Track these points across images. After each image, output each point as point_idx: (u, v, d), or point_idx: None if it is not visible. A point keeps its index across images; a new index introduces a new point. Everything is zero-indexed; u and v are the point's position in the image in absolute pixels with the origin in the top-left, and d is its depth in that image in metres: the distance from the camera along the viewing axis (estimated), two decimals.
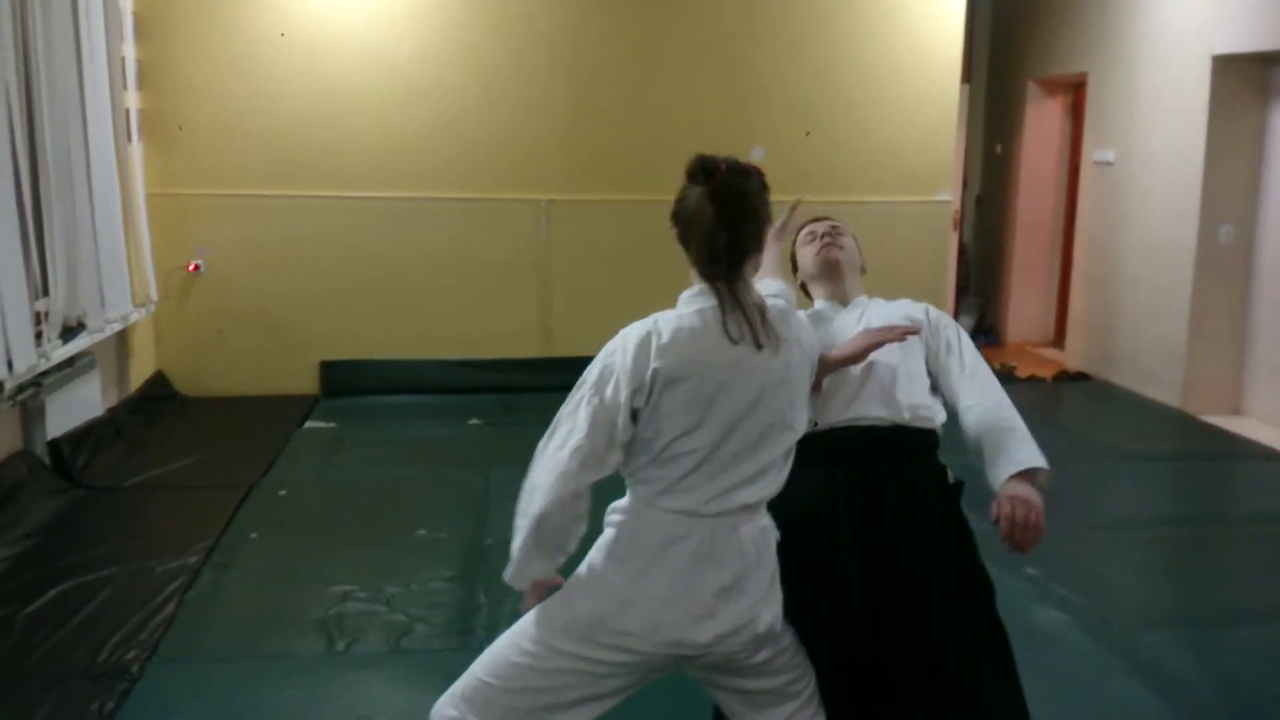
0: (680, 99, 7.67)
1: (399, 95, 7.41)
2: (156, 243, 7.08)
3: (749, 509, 2.28)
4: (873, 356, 2.63)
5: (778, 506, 2.42)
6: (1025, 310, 9.90)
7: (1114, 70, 8.32)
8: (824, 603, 2.48)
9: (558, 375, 7.91)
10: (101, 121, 6.15)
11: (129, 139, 6.64)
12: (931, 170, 8.03)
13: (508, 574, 2.35)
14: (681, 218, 2.31)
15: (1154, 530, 5.34)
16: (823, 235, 2.97)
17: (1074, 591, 4.44)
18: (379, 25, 7.34)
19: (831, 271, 2.92)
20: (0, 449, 5.20)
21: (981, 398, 2.64)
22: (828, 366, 2.60)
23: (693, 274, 2.33)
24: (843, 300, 2.91)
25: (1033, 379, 8.48)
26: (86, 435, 5.91)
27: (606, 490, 2.33)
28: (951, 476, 2.65)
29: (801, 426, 2.35)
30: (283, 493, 5.55)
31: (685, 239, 2.32)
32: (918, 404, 2.64)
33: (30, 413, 5.42)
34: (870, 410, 2.61)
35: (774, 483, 2.31)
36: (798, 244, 3.04)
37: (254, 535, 5.00)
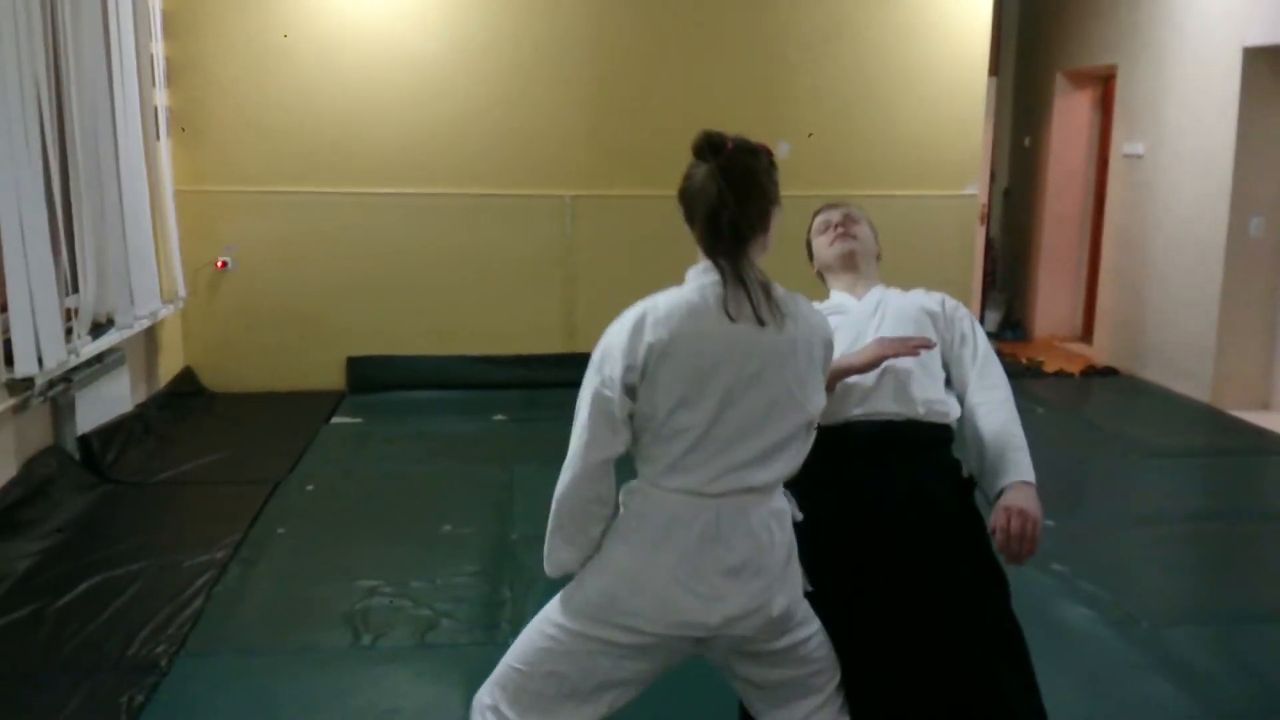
0: (706, 93, 7.65)
1: (425, 92, 7.43)
2: (185, 239, 7.13)
3: (757, 491, 2.26)
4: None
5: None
6: (1053, 305, 9.84)
7: (1143, 62, 8.26)
8: (835, 599, 2.48)
9: (582, 371, 7.96)
10: (131, 119, 6.20)
11: (157, 136, 6.68)
12: (959, 164, 7.99)
13: (545, 564, 2.38)
14: (687, 195, 2.31)
15: (1182, 526, 5.30)
16: (836, 225, 2.95)
17: (1101, 587, 4.42)
18: (405, 22, 7.35)
19: (846, 264, 2.92)
20: (31, 444, 5.25)
21: (989, 396, 2.65)
22: (838, 373, 2.59)
23: (698, 251, 2.32)
24: (858, 290, 2.90)
25: (1060, 374, 8.43)
26: (116, 431, 5.95)
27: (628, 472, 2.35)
28: (966, 470, 2.65)
29: (815, 408, 2.31)
30: (309, 488, 5.58)
31: (690, 216, 2.31)
32: (932, 399, 2.64)
33: (60, 408, 5.47)
34: (885, 406, 2.61)
35: (786, 465, 2.29)
36: (812, 232, 3.02)
37: (281, 530, 5.03)
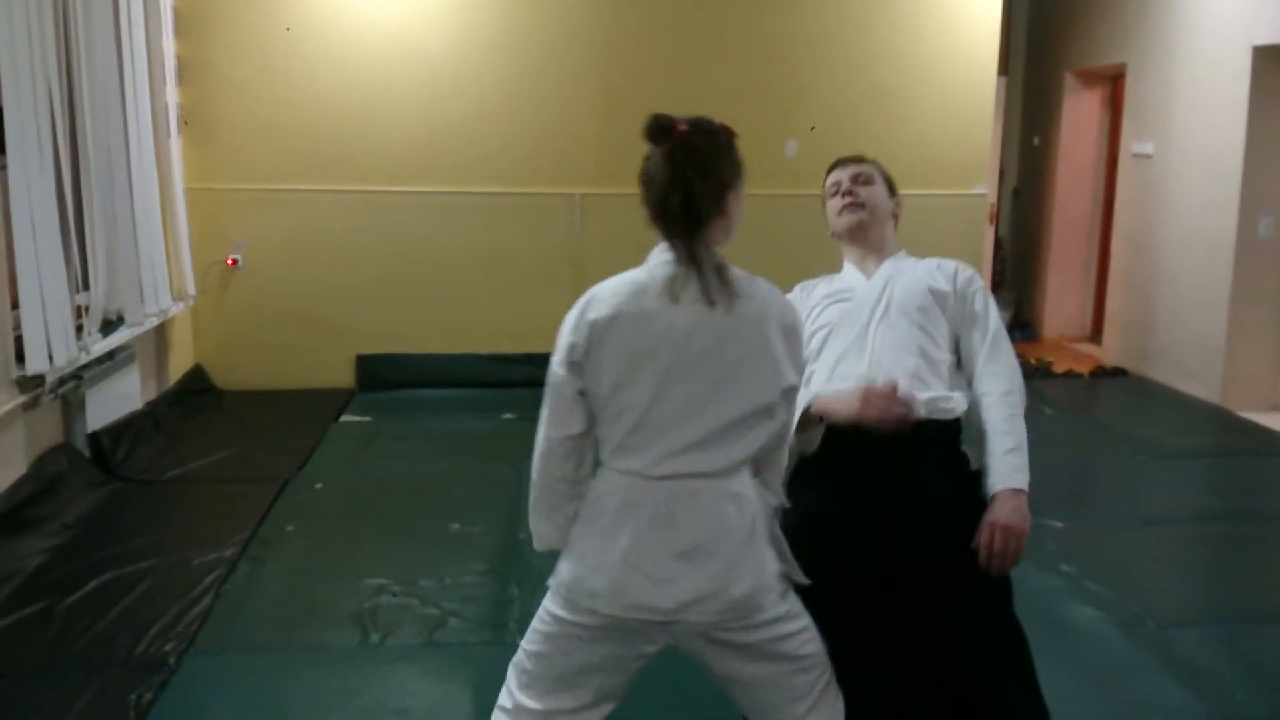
0: (715, 92, 7.65)
1: (435, 90, 7.44)
2: (195, 237, 7.15)
3: (709, 476, 2.24)
4: (889, 347, 2.60)
5: (792, 502, 2.44)
6: (1062, 305, 9.83)
7: (1153, 62, 8.25)
8: (833, 597, 2.48)
9: None
10: (142, 117, 6.22)
11: (169, 134, 6.70)
12: (968, 163, 7.98)
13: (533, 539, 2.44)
14: (643, 178, 2.33)
15: (1190, 527, 5.30)
16: (845, 192, 2.84)
17: (1108, 588, 4.41)
18: (416, 21, 7.37)
19: (855, 236, 2.84)
20: (41, 442, 5.27)
21: (992, 387, 2.60)
22: (819, 412, 2.59)
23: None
24: (869, 265, 2.82)
25: (1069, 374, 8.42)
26: (126, 428, 5.97)
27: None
28: (975, 463, 2.62)
29: (772, 391, 2.26)
30: (318, 486, 5.60)
31: (644, 199, 2.33)
32: (936, 397, 2.58)
33: (70, 406, 5.49)
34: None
35: (741, 450, 2.26)
36: (825, 193, 2.93)
37: (290, 528, 5.04)
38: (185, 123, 7.20)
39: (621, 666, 2.35)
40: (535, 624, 2.38)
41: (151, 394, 6.61)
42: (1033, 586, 2.63)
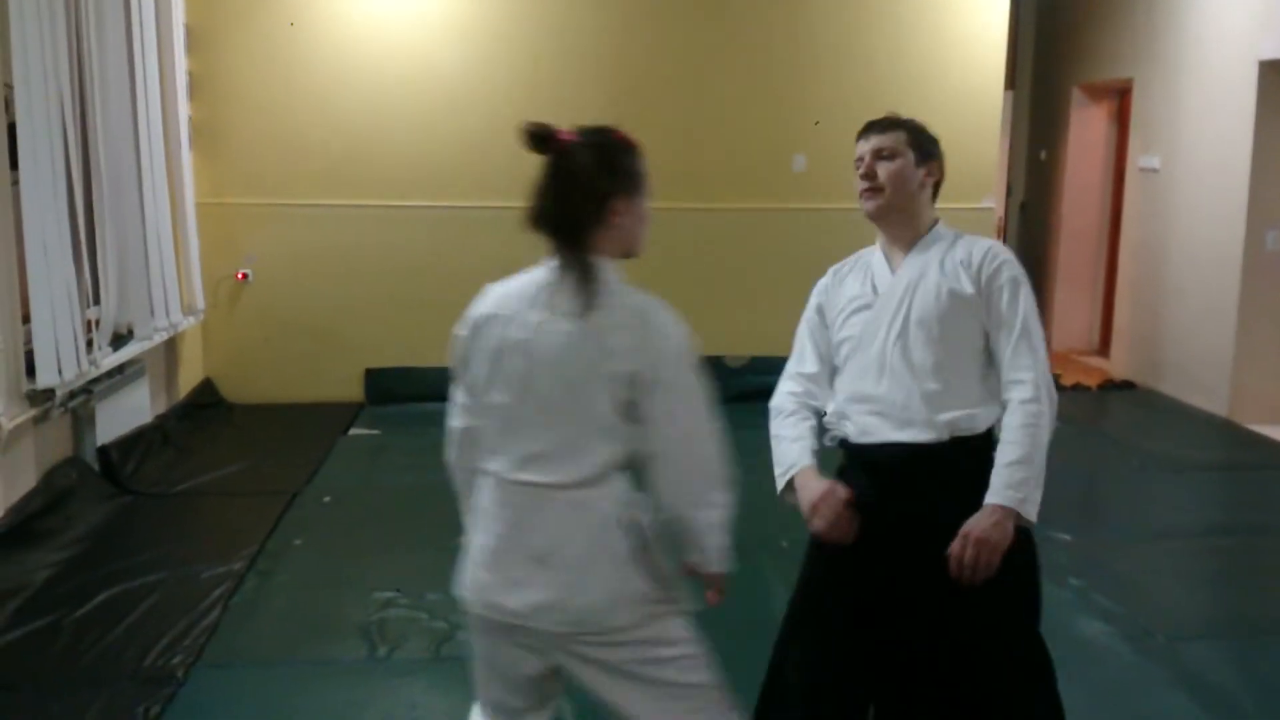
0: (723, 107, 7.68)
1: (444, 106, 7.47)
2: (205, 251, 7.17)
3: (558, 487, 2.24)
4: (907, 370, 2.52)
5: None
6: (1070, 318, 9.82)
7: (1159, 76, 8.25)
8: (837, 619, 2.48)
9: None
10: (154, 132, 6.25)
11: (180, 149, 6.73)
12: (975, 177, 7.98)
13: None
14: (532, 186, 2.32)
15: (1199, 540, 5.29)
16: (863, 174, 2.64)
17: (1117, 602, 4.41)
18: (425, 38, 7.40)
19: (877, 221, 2.67)
20: (51, 455, 5.29)
21: (1012, 395, 2.47)
22: (793, 492, 2.59)
23: None
24: (896, 253, 2.66)
25: (1078, 388, 8.41)
26: (135, 442, 5.99)
27: None
28: None
29: (603, 417, 2.21)
30: (327, 499, 5.61)
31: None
32: (958, 417, 2.48)
33: (80, 419, 5.51)
34: (902, 436, 2.51)
35: (579, 469, 2.22)
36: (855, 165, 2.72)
37: (298, 541, 5.05)
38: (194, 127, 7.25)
39: (513, 682, 2.36)
40: None
41: (161, 407, 6.63)
42: (1041, 599, 2.61)
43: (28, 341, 4.95)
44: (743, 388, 7.61)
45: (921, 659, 2.50)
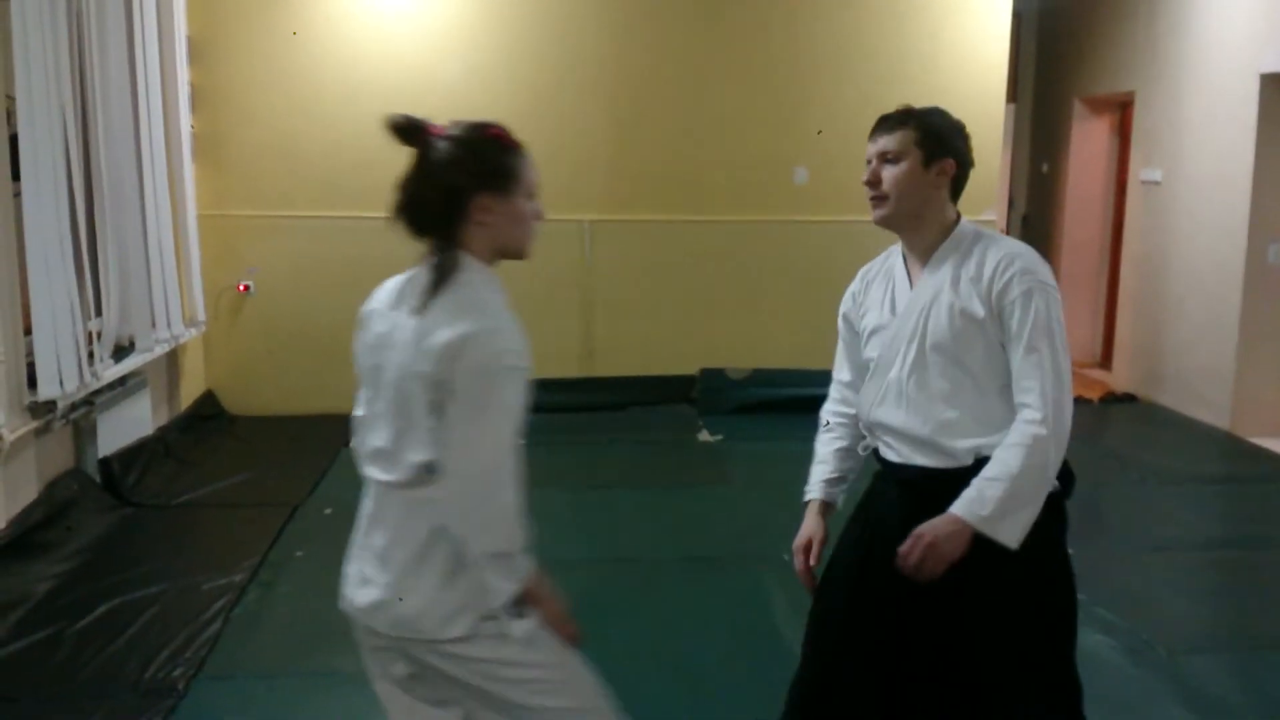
0: (724, 119, 7.70)
1: (446, 118, 7.46)
2: (207, 263, 7.18)
3: (395, 486, 2.20)
4: (923, 397, 2.46)
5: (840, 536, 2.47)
6: (1072, 331, 9.62)
7: (1161, 89, 8.27)
8: (842, 619, 2.48)
9: (600, 395, 8.05)
10: (155, 143, 6.26)
11: (182, 161, 6.75)
12: (977, 190, 7.91)
13: None
14: None
15: (1200, 553, 5.29)
16: (868, 181, 2.53)
17: (1118, 615, 4.40)
18: (428, 49, 7.42)
19: (887, 229, 2.58)
20: (52, 467, 5.29)
21: (1020, 413, 2.38)
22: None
23: None
24: (915, 265, 2.56)
25: (1079, 400, 8.40)
26: (137, 454, 5.99)
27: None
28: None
29: (415, 415, 2.14)
30: (328, 511, 5.60)
31: None
32: (978, 444, 2.41)
33: (82, 431, 5.51)
34: (924, 461, 2.48)
35: (408, 467, 2.16)
36: None
37: (299, 553, 5.05)
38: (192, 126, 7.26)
39: (385, 693, 2.33)
40: None
41: (163, 419, 6.63)
42: (1075, 622, 2.59)
43: (29, 353, 4.96)
44: (745, 400, 7.64)
45: (934, 675, 2.49)
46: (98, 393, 5.52)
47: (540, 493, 5.82)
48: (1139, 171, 8.62)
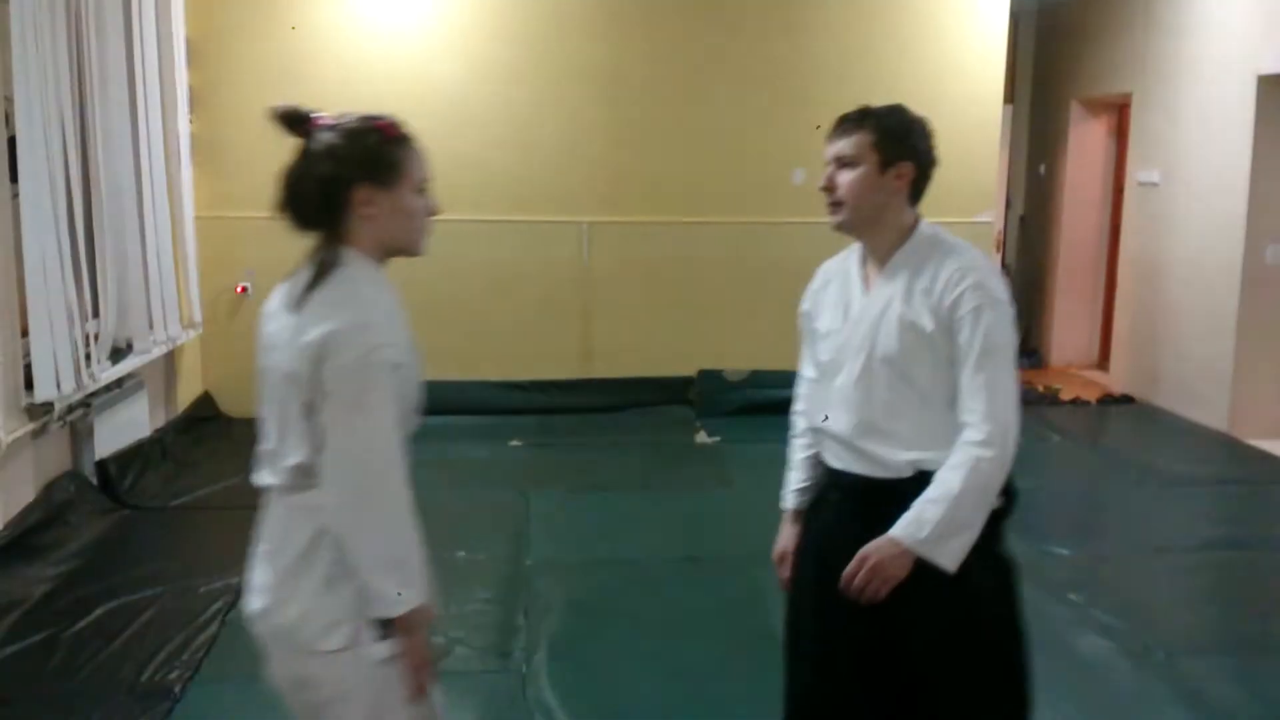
0: (721, 121, 7.70)
1: (443, 120, 7.47)
2: (204, 265, 7.17)
3: (281, 491, 2.14)
4: (872, 407, 2.43)
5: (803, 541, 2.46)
6: (1069, 332, 9.82)
7: (1158, 90, 8.27)
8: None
9: (598, 396, 8.05)
10: (153, 146, 6.25)
11: (180, 163, 6.74)
12: (974, 191, 7.99)
13: None
14: None
15: (1198, 555, 5.28)
16: (823, 186, 2.51)
17: (1116, 618, 4.40)
18: (426, 51, 7.42)
19: (845, 235, 2.54)
20: (49, 469, 5.28)
21: (963, 434, 2.32)
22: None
23: None
24: (873, 271, 2.51)
25: (1076, 401, 8.41)
26: (134, 456, 5.98)
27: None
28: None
29: (290, 416, 2.08)
30: None
31: None
32: (922, 458, 2.38)
33: (79, 433, 5.50)
34: (864, 470, 2.46)
35: (285, 471, 2.11)
36: None
37: None
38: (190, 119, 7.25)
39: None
40: None
41: (160, 421, 6.63)
42: (1040, 616, 2.60)
43: (26, 355, 4.95)
44: (742, 402, 7.64)
45: (883, 683, 2.48)
46: (95, 395, 5.51)
47: (539, 495, 5.84)
48: (1136, 173, 8.62)
